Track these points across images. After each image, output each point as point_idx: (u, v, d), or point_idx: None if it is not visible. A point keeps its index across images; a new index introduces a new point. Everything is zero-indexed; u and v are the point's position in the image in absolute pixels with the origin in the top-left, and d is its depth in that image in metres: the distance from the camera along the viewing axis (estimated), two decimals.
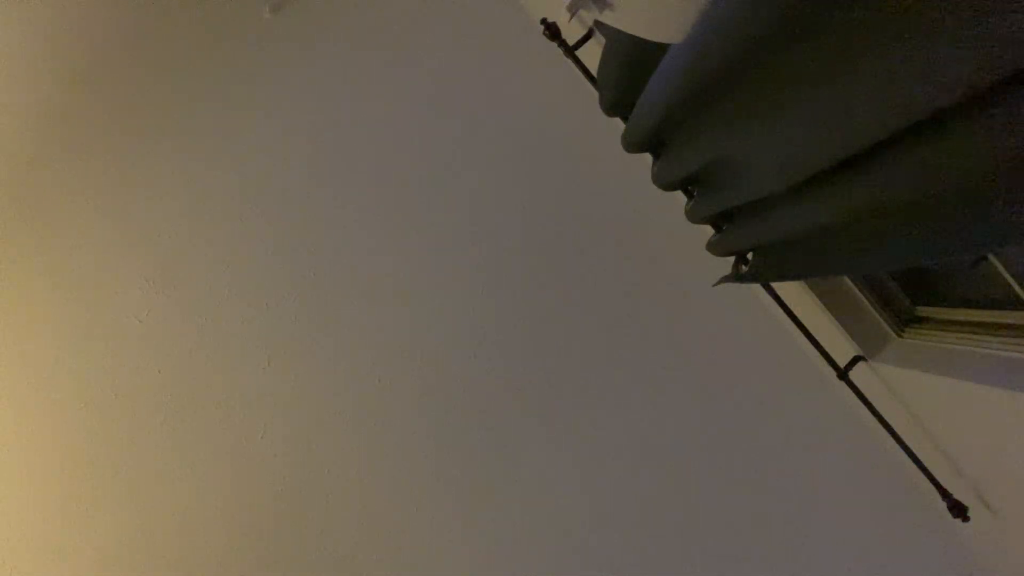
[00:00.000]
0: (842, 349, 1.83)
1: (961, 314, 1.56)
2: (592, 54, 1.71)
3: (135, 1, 2.35)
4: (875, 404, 1.75)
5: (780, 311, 1.81)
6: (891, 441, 1.75)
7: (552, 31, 1.78)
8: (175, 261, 2.34)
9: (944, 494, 1.69)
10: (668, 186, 1.55)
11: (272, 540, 2.24)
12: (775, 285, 1.80)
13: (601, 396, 2.28)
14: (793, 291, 1.86)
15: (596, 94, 1.65)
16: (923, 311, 1.75)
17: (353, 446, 2.26)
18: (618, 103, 1.53)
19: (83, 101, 2.37)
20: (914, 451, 1.72)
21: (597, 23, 1.60)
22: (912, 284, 1.76)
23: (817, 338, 1.80)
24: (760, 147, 1.06)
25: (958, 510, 1.68)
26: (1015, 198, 0.68)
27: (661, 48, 1.12)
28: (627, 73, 1.37)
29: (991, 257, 1.31)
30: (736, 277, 1.56)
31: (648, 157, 1.57)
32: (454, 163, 2.38)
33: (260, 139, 2.39)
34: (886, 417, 1.75)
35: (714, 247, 1.58)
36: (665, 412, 2.26)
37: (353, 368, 2.30)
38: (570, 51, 1.80)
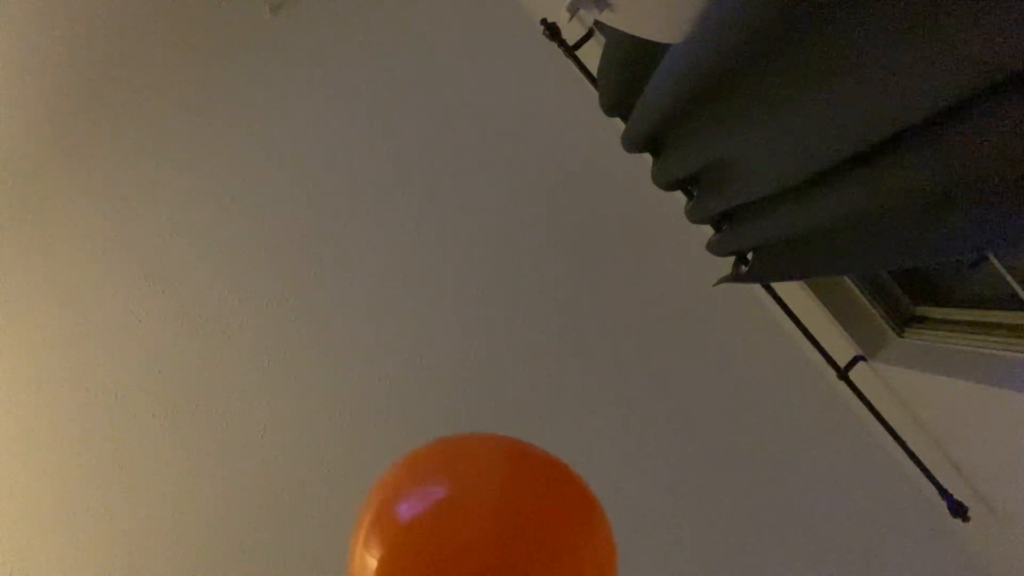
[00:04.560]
0: (842, 349, 1.83)
1: (961, 314, 1.56)
2: (592, 54, 1.71)
3: (134, 1, 2.36)
4: (875, 404, 1.75)
5: (780, 311, 1.81)
6: (891, 441, 1.76)
7: (552, 31, 1.78)
8: (175, 261, 2.34)
9: (944, 494, 1.69)
10: (668, 186, 1.55)
11: (272, 540, 2.23)
12: (775, 285, 1.80)
13: (598, 397, 2.28)
14: (793, 291, 1.86)
15: (596, 94, 1.65)
16: (923, 311, 1.75)
17: (355, 445, 2.26)
18: (618, 103, 1.53)
19: (82, 101, 2.37)
20: (914, 451, 1.72)
21: (597, 23, 1.60)
22: (912, 284, 1.76)
23: (817, 338, 1.80)
24: (760, 147, 1.06)
25: (958, 510, 1.68)
26: (1014, 198, 0.69)
27: (661, 48, 1.12)
28: (627, 73, 1.37)
29: (991, 257, 1.32)
30: (736, 277, 1.56)
31: (648, 157, 1.57)
32: (452, 163, 2.38)
33: (260, 139, 2.39)
34: (886, 417, 1.75)
35: (714, 247, 1.58)
36: (663, 412, 2.26)
37: (354, 367, 2.30)
38: (570, 51, 1.80)
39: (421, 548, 0.60)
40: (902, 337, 1.78)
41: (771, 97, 0.92)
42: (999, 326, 1.43)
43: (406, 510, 0.64)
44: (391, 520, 0.64)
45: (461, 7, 2.40)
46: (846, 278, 1.81)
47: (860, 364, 1.82)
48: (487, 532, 0.61)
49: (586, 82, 1.81)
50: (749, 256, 1.56)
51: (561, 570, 0.62)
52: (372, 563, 0.61)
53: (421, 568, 0.59)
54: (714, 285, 1.66)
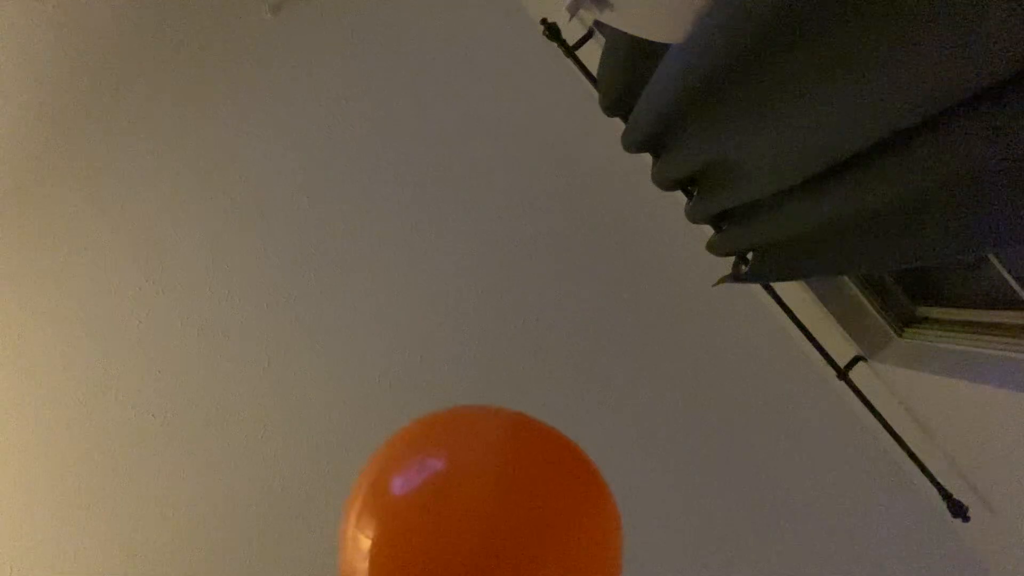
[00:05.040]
0: (842, 349, 1.84)
1: (961, 314, 1.56)
2: (592, 54, 1.71)
3: (134, 3, 2.36)
4: (875, 404, 1.75)
5: (780, 311, 1.81)
6: (891, 441, 1.76)
7: (552, 31, 1.78)
8: (175, 262, 2.34)
9: (944, 494, 1.69)
10: (668, 186, 1.55)
11: (273, 540, 2.24)
12: (775, 285, 1.80)
13: (598, 396, 2.28)
14: (793, 291, 1.86)
15: (596, 94, 1.65)
16: (923, 311, 1.75)
17: (355, 445, 2.26)
18: (618, 103, 1.53)
19: (81, 101, 2.37)
20: (914, 451, 1.72)
21: (597, 23, 1.60)
22: (912, 284, 1.76)
23: (817, 338, 1.80)
24: (760, 147, 1.06)
25: (958, 510, 1.68)
26: (1014, 198, 0.69)
27: (661, 48, 1.12)
28: (627, 73, 1.37)
29: (991, 257, 1.32)
30: (736, 277, 1.56)
31: (648, 157, 1.57)
32: (450, 163, 2.38)
33: (260, 140, 2.39)
34: (886, 417, 1.75)
35: (714, 247, 1.58)
36: (663, 413, 2.26)
37: (354, 368, 2.30)
38: (570, 51, 1.80)
39: (417, 525, 0.56)
40: (902, 337, 1.78)
41: (771, 97, 0.92)
42: (999, 326, 1.43)
43: (400, 486, 0.59)
44: (384, 497, 0.59)
45: (461, 7, 2.40)
46: (846, 278, 1.81)
47: (860, 364, 1.82)
48: (487, 507, 0.56)
49: (586, 82, 1.81)
50: (749, 256, 1.56)
51: (566, 545, 0.58)
52: (365, 543, 0.57)
53: (418, 547, 0.55)
54: (714, 285, 1.67)
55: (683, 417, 2.26)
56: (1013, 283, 1.29)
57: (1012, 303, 1.36)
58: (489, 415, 0.66)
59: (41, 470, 2.27)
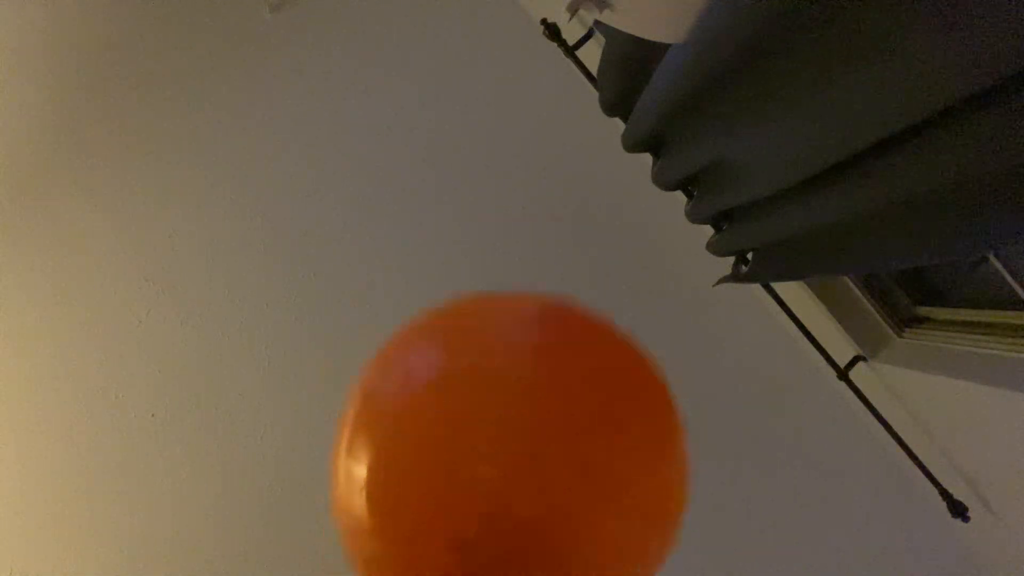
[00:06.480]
0: (842, 349, 1.84)
1: (961, 314, 1.56)
2: (592, 54, 1.71)
3: (134, 2, 2.36)
4: (875, 404, 1.75)
5: (780, 311, 1.81)
6: (891, 441, 1.76)
7: (552, 31, 1.78)
8: (175, 261, 2.34)
9: (944, 494, 1.69)
10: (668, 186, 1.55)
11: (273, 541, 2.23)
12: (775, 285, 1.80)
13: None
14: (793, 291, 1.86)
15: (596, 94, 1.65)
16: (923, 311, 1.75)
17: None
18: (618, 103, 1.53)
19: (83, 101, 2.37)
20: (914, 451, 1.72)
21: (597, 23, 1.60)
22: (912, 284, 1.76)
23: (817, 338, 1.80)
24: (760, 147, 1.06)
25: (958, 510, 1.68)
26: (1013, 199, 0.69)
27: (661, 48, 1.12)
28: (627, 73, 1.37)
29: (991, 257, 1.32)
30: (736, 277, 1.56)
31: (648, 157, 1.57)
32: (453, 163, 2.38)
33: (260, 139, 2.39)
34: (886, 417, 1.75)
35: (714, 247, 1.58)
36: None
37: (355, 369, 2.30)
38: (570, 51, 1.81)
39: (425, 438, 0.38)
40: (902, 337, 1.78)
41: (771, 97, 0.92)
42: (999, 326, 1.43)
43: (404, 388, 0.40)
44: (384, 406, 0.40)
45: (461, 7, 2.40)
46: (846, 278, 1.81)
47: (860, 364, 1.82)
48: (518, 409, 0.39)
49: (586, 82, 1.81)
50: (749, 256, 1.56)
51: (629, 478, 0.39)
52: (360, 471, 0.39)
53: (427, 466, 0.38)
54: (714, 285, 1.67)
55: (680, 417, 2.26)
56: (1013, 283, 1.29)
57: (1012, 303, 1.36)
58: (527, 301, 0.44)
59: (40, 470, 2.27)
